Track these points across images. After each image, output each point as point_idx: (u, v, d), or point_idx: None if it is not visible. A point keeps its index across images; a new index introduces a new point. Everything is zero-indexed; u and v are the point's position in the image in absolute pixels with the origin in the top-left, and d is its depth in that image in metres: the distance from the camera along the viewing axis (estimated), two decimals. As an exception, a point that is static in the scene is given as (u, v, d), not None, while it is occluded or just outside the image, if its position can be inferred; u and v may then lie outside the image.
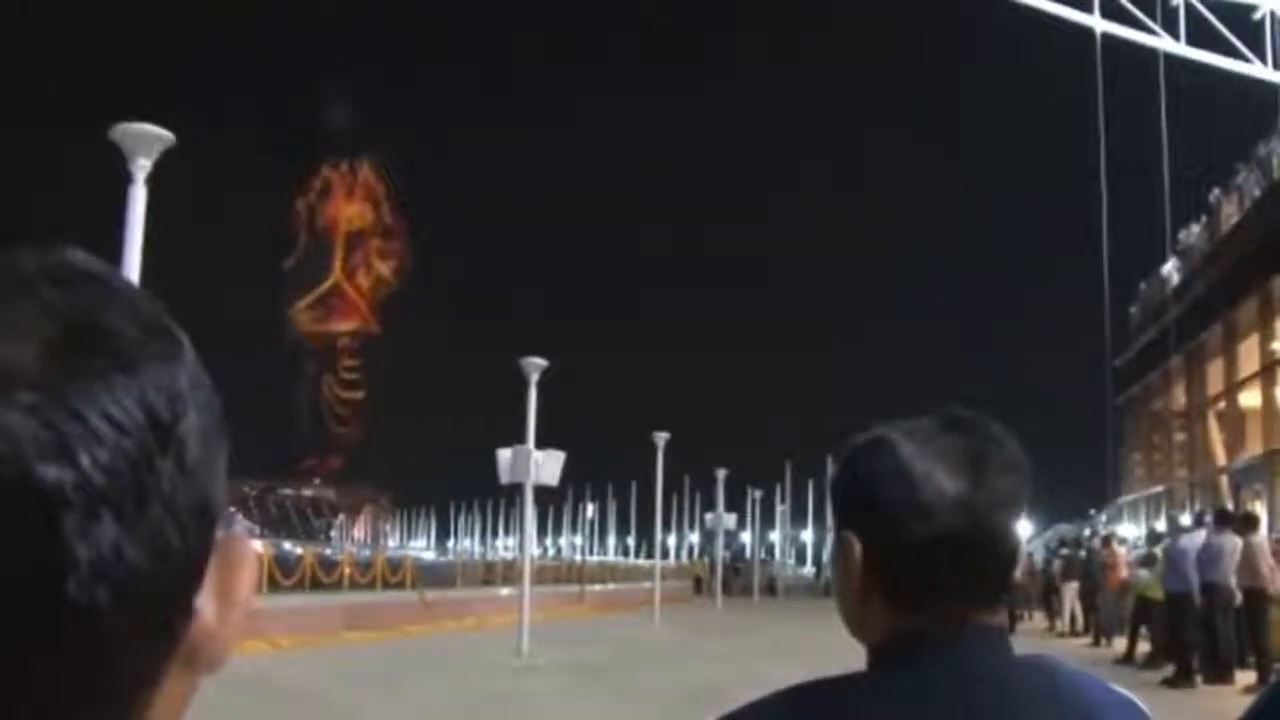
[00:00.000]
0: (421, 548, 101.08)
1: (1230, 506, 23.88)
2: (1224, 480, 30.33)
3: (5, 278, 0.45)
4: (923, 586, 1.18)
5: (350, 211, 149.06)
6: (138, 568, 0.42)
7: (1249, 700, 1.42)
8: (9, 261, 0.46)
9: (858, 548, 1.20)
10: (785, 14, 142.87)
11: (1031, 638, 22.91)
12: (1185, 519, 21.75)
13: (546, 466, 19.09)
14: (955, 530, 1.16)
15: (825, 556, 54.33)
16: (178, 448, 0.44)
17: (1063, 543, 28.00)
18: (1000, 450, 1.21)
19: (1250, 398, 29.55)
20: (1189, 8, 24.92)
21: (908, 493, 1.17)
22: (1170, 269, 35.54)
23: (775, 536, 65.63)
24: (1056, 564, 25.38)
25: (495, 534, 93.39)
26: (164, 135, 9.49)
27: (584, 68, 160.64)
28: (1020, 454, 1.22)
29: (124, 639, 0.43)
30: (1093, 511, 41.16)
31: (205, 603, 0.48)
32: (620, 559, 66.88)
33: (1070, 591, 24.15)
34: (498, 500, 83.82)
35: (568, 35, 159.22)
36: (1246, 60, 25.21)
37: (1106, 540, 23.69)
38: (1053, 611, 25.50)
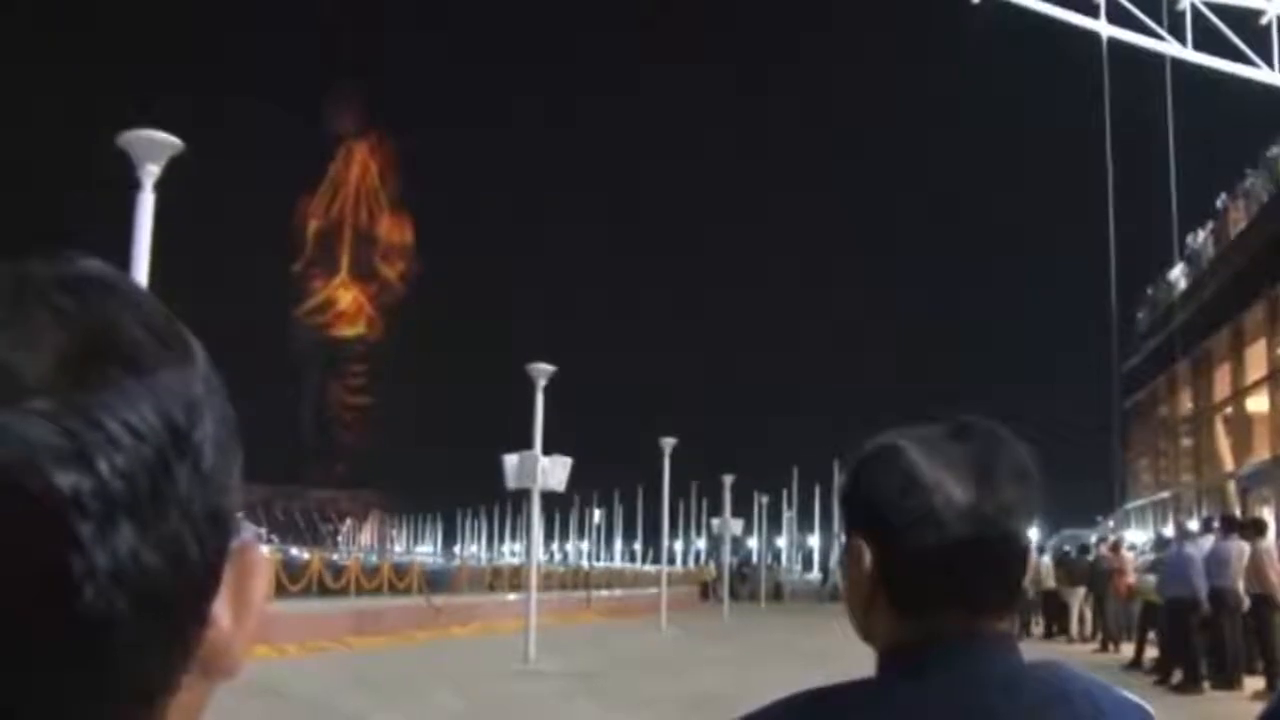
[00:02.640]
0: (428, 553, 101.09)
1: (1237, 512, 23.88)
2: (1231, 486, 30.29)
3: (19, 286, 0.45)
4: (931, 593, 1.18)
5: (357, 215, 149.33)
6: (155, 574, 0.43)
7: (1258, 707, 1.42)
8: (22, 270, 0.46)
9: (867, 554, 1.20)
10: (785, 14, 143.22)
11: (1040, 643, 22.88)
12: (1192, 524, 21.71)
13: (553, 472, 19.09)
14: (964, 538, 1.16)
15: (832, 562, 54.34)
16: (194, 454, 0.45)
17: (1066, 552, 27.89)
18: (1009, 457, 1.21)
19: (1258, 403, 29.52)
20: (1195, 13, 24.92)
21: (916, 500, 1.17)
22: (1177, 273, 35.54)
23: (782, 542, 65.58)
24: (1056, 570, 25.23)
25: (502, 539, 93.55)
26: (173, 142, 9.50)
27: (584, 68, 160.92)
28: (1029, 461, 1.22)
29: (141, 645, 0.43)
30: (1099, 517, 41.09)
31: (221, 609, 0.48)
32: (627, 565, 66.91)
33: (1076, 597, 24.09)
34: (504, 506, 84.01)
35: (568, 35, 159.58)
36: (1254, 65, 25.20)
37: (1115, 546, 23.64)
38: (1052, 618, 25.32)
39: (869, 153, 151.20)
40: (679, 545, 63.47)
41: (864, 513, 1.22)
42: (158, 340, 0.45)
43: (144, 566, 0.42)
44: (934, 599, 1.18)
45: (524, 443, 18.95)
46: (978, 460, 1.19)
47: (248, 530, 0.50)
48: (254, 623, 0.50)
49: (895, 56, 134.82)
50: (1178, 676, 15.21)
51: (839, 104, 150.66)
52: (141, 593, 0.42)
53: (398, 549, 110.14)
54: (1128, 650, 19.18)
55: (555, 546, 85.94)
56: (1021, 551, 1.21)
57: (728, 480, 36.07)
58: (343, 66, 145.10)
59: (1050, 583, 24.72)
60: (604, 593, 36.77)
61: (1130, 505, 39.37)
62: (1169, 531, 27.97)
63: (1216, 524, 16.55)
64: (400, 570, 26.34)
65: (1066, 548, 28.98)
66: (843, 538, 1.27)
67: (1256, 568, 14.63)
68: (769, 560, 55.99)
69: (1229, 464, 31.27)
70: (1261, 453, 28.57)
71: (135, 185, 9.42)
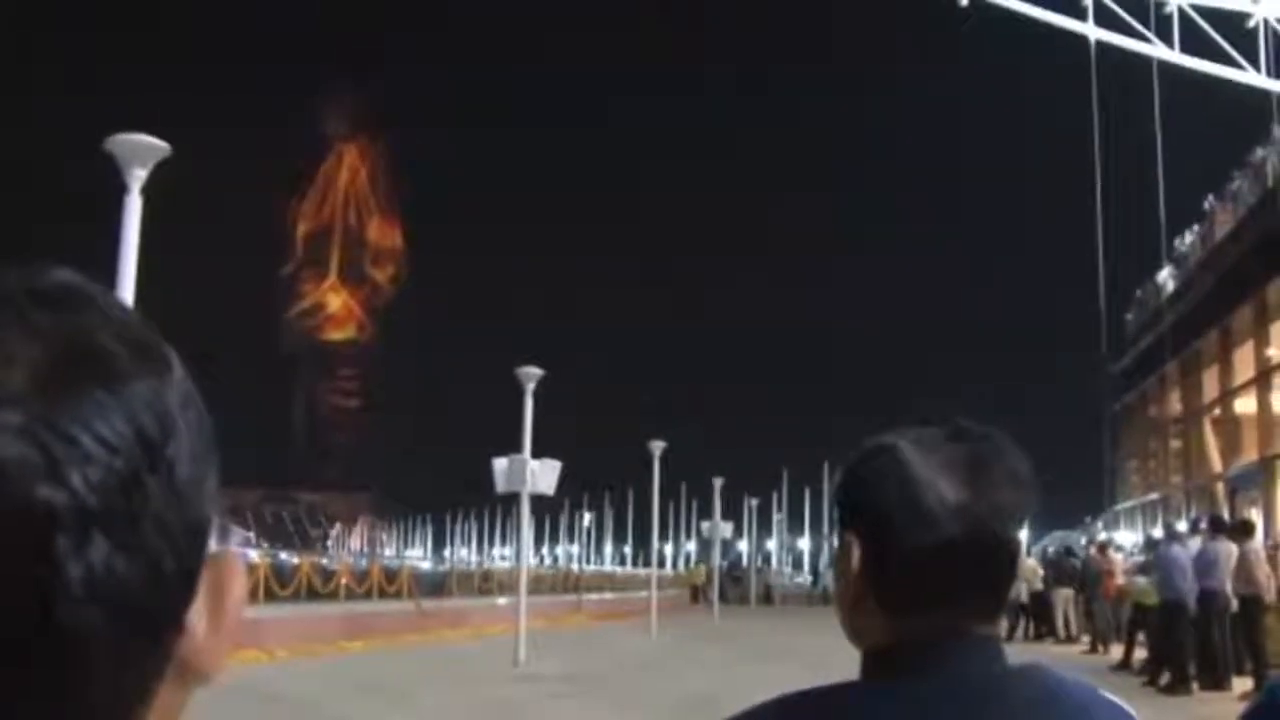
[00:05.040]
0: (418, 557, 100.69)
1: (1226, 513, 23.92)
2: (1220, 487, 30.34)
3: None
4: (921, 594, 1.19)
5: (346, 218, 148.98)
6: (129, 586, 0.43)
7: (1244, 707, 1.43)
8: None
9: (857, 552, 1.20)
10: (784, 16, 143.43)
11: (1028, 645, 22.92)
12: (1181, 526, 21.76)
13: (543, 475, 19.07)
14: (956, 539, 1.17)
15: (822, 564, 54.38)
16: (168, 466, 0.45)
17: (1053, 554, 27.91)
18: (1004, 461, 1.21)
19: (1246, 404, 29.56)
20: (1183, 16, 25.02)
21: (910, 500, 1.18)
22: (1166, 275, 35.61)
23: (772, 545, 65.65)
24: (1043, 571, 25.22)
25: (492, 543, 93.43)
26: (160, 146, 9.49)
27: (581, 68, 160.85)
28: (1025, 465, 1.22)
29: (116, 655, 0.44)
30: (1089, 518, 41.16)
31: (196, 617, 0.48)
32: (617, 568, 66.89)
33: (1062, 599, 24.10)
34: (494, 509, 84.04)
35: (566, 35, 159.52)
36: (1240, 67, 25.30)
37: (1103, 547, 23.68)
38: (1039, 620, 25.32)
39: (867, 153, 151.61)
40: (669, 548, 63.47)
41: (857, 511, 1.22)
42: (132, 351, 0.45)
43: (119, 577, 0.42)
44: (923, 599, 1.18)
45: (514, 446, 18.94)
46: (973, 462, 1.20)
47: (233, 536, 0.51)
48: (231, 628, 0.50)
49: (896, 57, 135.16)
50: (1166, 678, 15.25)
51: (839, 103, 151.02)
52: (117, 603, 0.43)
53: (388, 552, 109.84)
54: (1117, 652, 19.22)
55: (545, 550, 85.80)
56: (1012, 554, 1.21)
57: (718, 483, 36.08)
58: (339, 67, 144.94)
59: (1037, 584, 24.74)
60: (594, 596, 36.74)
61: (1120, 507, 39.42)
62: (1158, 533, 27.99)
63: (1204, 525, 16.59)
64: (390, 574, 26.29)
65: (1052, 549, 29.00)
66: (833, 540, 1.27)
67: (1245, 569, 14.66)
68: (759, 563, 56.05)
69: (1217, 465, 31.32)
70: (1250, 454, 28.61)
71: (122, 189, 9.41)
